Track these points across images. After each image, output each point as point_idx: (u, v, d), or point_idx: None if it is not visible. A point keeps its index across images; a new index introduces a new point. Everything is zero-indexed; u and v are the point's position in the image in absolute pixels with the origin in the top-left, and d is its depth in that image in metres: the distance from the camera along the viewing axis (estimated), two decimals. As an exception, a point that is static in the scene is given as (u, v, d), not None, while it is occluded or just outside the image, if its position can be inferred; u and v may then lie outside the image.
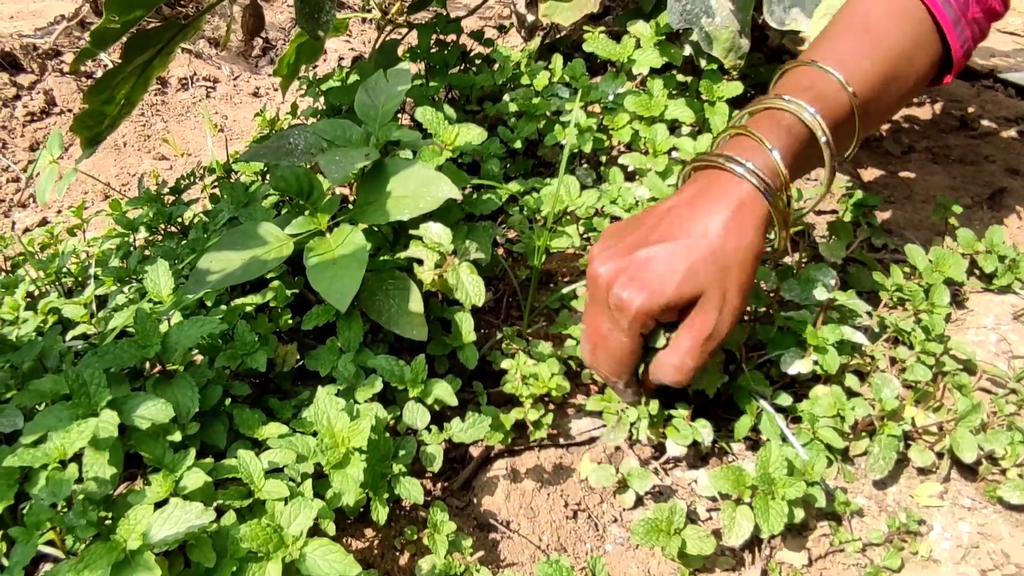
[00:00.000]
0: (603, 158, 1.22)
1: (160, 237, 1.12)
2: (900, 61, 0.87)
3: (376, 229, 0.83)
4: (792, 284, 0.95)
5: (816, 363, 0.90)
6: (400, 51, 1.44)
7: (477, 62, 1.45)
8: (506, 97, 1.24)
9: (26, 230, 1.53)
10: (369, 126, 0.83)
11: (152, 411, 0.61)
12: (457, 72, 1.47)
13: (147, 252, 1.07)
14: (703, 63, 1.32)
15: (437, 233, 0.74)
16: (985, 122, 1.59)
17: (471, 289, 0.74)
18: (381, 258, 0.83)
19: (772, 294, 0.96)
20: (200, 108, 1.90)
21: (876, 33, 0.88)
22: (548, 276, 1.07)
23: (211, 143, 1.35)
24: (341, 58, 2.11)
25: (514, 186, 1.06)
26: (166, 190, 1.18)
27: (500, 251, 1.11)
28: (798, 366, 0.89)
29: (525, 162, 1.24)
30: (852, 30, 0.89)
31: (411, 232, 0.76)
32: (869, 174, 1.41)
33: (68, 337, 0.91)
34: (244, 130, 1.86)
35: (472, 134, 0.81)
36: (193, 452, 0.62)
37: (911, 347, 0.98)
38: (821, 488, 0.80)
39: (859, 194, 1.21)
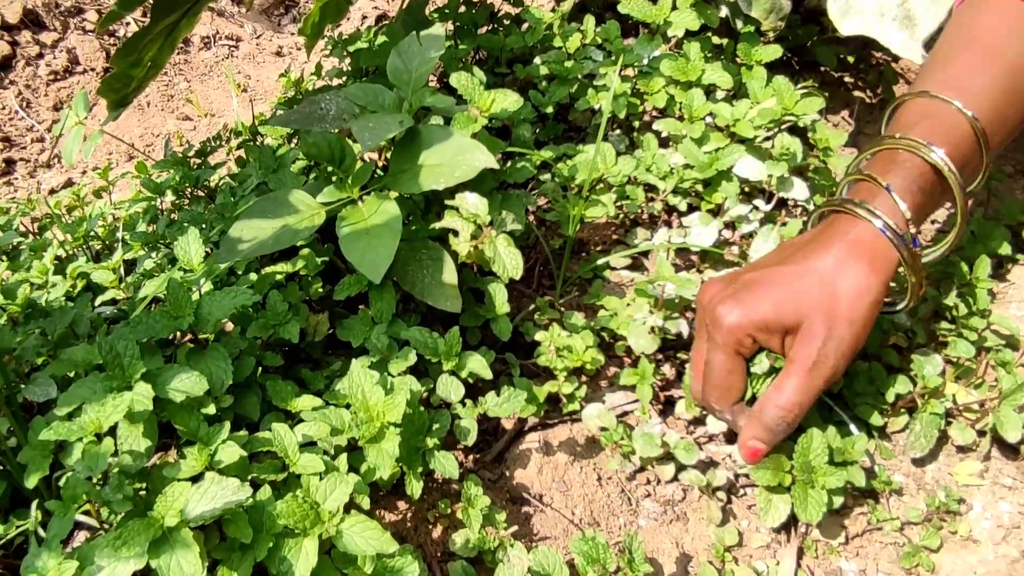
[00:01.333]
0: (636, 123, 1.19)
1: (187, 201, 1.10)
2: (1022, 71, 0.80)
3: (409, 198, 0.81)
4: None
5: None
6: (427, 11, 1.41)
7: (506, 22, 1.41)
8: (537, 60, 1.20)
9: (52, 191, 1.53)
10: (402, 91, 0.80)
11: (187, 384, 0.61)
12: (486, 33, 1.43)
13: (174, 216, 1.06)
14: (740, 25, 1.28)
15: (474, 203, 0.72)
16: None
17: (508, 262, 0.72)
18: (414, 227, 0.81)
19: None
20: (223, 68, 1.88)
21: (990, 45, 0.81)
22: (580, 245, 1.05)
23: (236, 104, 1.33)
24: (364, 16, 2.08)
25: (546, 152, 1.04)
26: (192, 153, 1.16)
27: (531, 219, 1.09)
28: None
29: (555, 127, 1.21)
30: (963, 47, 0.82)
31: (446, 203, 0.74)
32: (909, 141, 1.36)
33: (97, 302, 0.90)
34: (268, 90, 1.83)
35: (508, 100, 0.79)
36: (227, 425, 0.62)
37: (953, 321, 0.96)
38: (860, 469, 0.78)
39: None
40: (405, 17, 1.37)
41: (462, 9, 1.41)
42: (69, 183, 1.54)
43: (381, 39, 1.23)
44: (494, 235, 0.71)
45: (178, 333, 0.76)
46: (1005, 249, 1.02)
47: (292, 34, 2.08)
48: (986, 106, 0.77)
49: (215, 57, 1.92)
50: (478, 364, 0.74)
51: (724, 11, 1.33)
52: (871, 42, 1.09)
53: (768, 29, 1.26)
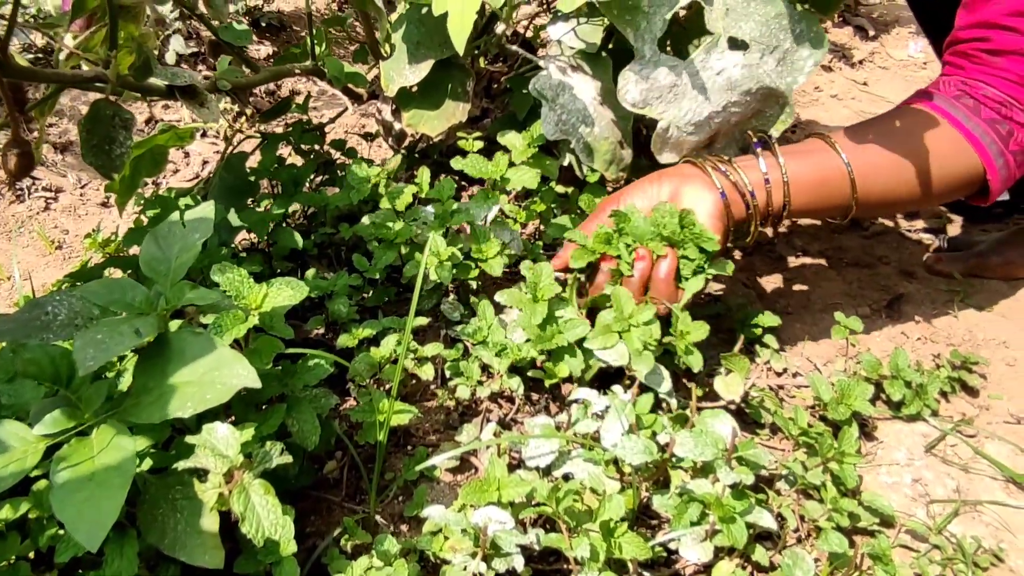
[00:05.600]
0: (474, 284, 1.08)
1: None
2: (912, 156, 0.96)
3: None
4: (686, 439, 0.82)
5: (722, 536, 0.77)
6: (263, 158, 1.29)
7: (341, 174, 1.31)
8: (365, 219, 1.09)
9: None
10: (159, 285, 0.66)
11: None
12: (319, 185, 1.32)
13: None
14: (586, 171, 1.22)
15: (223, 438, 0.57)
16: (880, 220, 1.55)
17: (264, 517, 0.57)
18: (174, 451, 0.65)
19: (665, 450, 0.83)
20: (37, 222, 1.69)
21: (891, 127, 0.98)
22: (406, 435, 0.91)
23: (18, 277, 1.15)
24: (206, 161, 1.94)
25: (364, 330, 0.91)
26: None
27: (352, 402, 0.94)
28: (697, 552, 0.75)
29: (387, 290, 1.09)
30: (870, 124, 1.01)
31: (187, 439, 0.59)
32: (765, 282, 1.32)
33: None
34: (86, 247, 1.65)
35: (283, 295, 0.66)
36: None
37: (822, 500, 0.87)
38: None
39: (756, 314, 1.10)
40: (223, 174, 1.25)
41: (294, 160, 1.31)
42: None
43: (185, 200, 1.09)
44: (247, 481, 0.56)
45: None
46: (869, 409, 0.95)
47: (122, 182, 1.91)
48: (862, 163, 0.96)
49: (29, 211, 1.73)
50: (240, 643, 0.57)
51: (569, 158, 1.27)
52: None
53: (613, 180, 1.21)
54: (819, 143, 0.99)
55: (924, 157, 0.97)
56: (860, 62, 2.36)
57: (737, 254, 1.39)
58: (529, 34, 1.67)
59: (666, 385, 0.88)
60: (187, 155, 1.96)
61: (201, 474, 0.59)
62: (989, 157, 0.97)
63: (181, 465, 0.58)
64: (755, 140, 1.00)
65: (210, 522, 0.60)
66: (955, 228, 1.52)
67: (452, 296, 1.05)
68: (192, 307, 0.68)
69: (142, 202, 1.23)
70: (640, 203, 0.95)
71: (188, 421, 0.67)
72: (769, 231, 1.46)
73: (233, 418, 0.71)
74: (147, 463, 0.65)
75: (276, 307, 0.65)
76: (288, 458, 0.60)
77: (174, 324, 0.70)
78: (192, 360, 0.60)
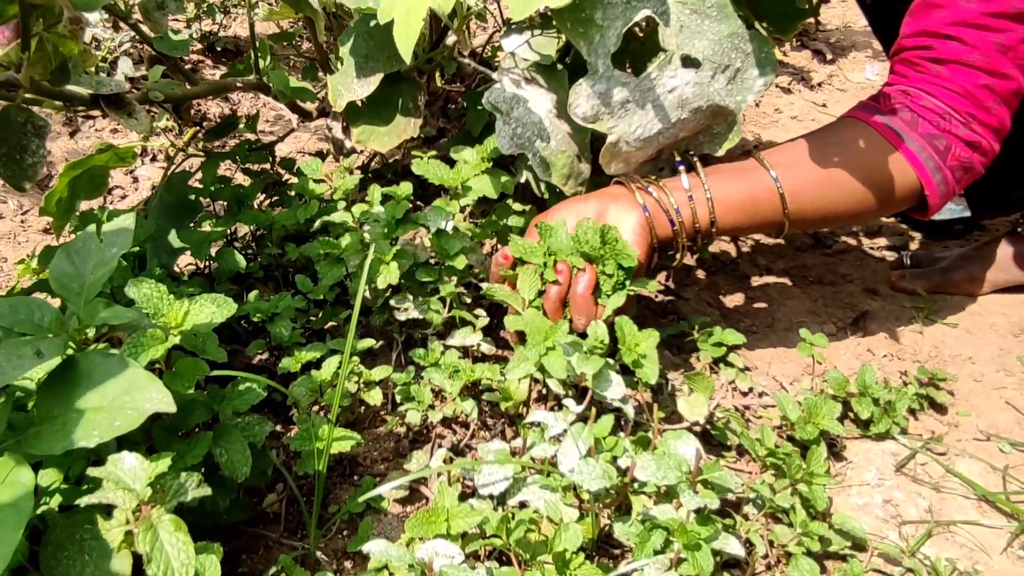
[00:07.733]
0: (431, 289, 1.03)
1: None
2: (846, 171, 0.96)
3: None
4: (647, 462, 0.77)
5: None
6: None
7: (291, 193, 1.26)
8: (316, 224, 1.04)
9: None
10: (71, 304, 0.61)
11: None
12: (267, 207, 1.27)
13: None
14: (543, 189, 1.18)
15: (130, 469, 0.52)
16: (842, 238, 1.53)
17: (174, 557, 0.51)
18: (87, 486, 0.59)
19: (626, 474, 0.78)
20: (-28, 250, 1.61)
21: (825, 142, 0.98)
22: (352, 464, 0.85)
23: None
24: (155, 186, 1.88)
25: (308, 354, 0.86)
26: None
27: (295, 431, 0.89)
28: (661, 582, 0.70)
29: (335, 312, 1.04)
30: (806, 139, 0.99)
31: (88, 472, 0.53)
32: (729, 301, 1.29)
33: None
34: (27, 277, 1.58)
35: (206, 312, 0.60)
36: None
37: (791, 524, 0.83)
38: None
39: (720, 332, 1.07)
40: (163, 194, 1.19)
41: (240, 179, 1.26)
42: None
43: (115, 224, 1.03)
44: (156, 517, 0.50)
45: None
46: (838, 428, 0.91)
47: (65, 208, 1.84)
48: (792, 181, 0.96)
49: (-36, 238, 1.65)
50: None
51: (526, 175, 1.24)
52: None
53: (570, 194, 1.18)
54: (750, 161, 0.99)
55: (858, 172, 0.96)
56: (819, 84, 2.38)
57: (701, 273, 1.36)
58: (487, 54, 1.64)
59: (618, 391, 0.81)
60: (136, 180, 1.90)
61: (110, 511, 0.53)
62: (926, 173, 0.96)
63: (85, 501, 0.52)
64: (678, 160, 1.00)
65: (121, 564, 0.54)
66: (917, 245, 1.51)
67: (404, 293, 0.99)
68: (113, 328, 0.62)
69: (75, 224, 1.17)
70: (568, 220, 0.95)
71: (103, 451, 0.61)
72: (735, 246, 1.44)
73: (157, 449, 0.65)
74: (56, 500, 0.59)
75: (199, 325, 0.60)
76: (206, 490, 0.54)
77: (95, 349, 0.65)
78: (101, 384, 0.55)
